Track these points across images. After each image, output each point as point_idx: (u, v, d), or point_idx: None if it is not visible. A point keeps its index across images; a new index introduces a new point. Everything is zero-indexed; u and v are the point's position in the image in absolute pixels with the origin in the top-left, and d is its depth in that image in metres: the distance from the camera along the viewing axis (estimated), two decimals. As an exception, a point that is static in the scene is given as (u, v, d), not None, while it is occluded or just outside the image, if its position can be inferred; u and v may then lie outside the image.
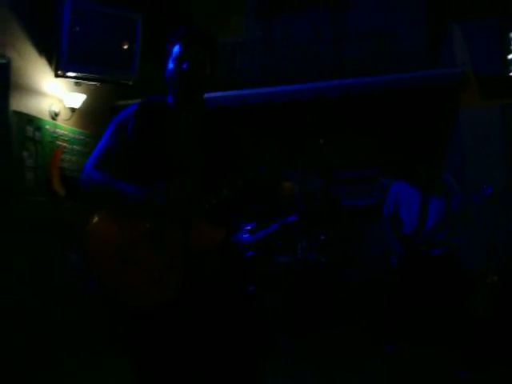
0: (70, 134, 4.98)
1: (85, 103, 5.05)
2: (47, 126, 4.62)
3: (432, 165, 4.27)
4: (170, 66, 1.97)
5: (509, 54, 5.40)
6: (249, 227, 4.74)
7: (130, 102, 2.10)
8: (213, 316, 1.97)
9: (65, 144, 4.88)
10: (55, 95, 4.78)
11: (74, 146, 5.01)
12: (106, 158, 2.00)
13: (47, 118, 4.65)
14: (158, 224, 1.88)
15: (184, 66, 1.93)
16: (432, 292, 4.13)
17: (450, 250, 4.18)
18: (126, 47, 5.03)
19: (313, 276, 5.52)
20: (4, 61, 4.16)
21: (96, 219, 1.95)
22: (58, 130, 4.78)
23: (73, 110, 4.96)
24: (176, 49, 1.96)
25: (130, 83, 5.20)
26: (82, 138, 5.13)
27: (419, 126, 6.45)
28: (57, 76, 4.75)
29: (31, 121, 4.40)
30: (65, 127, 4.90)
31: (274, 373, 3.78)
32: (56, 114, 4.75)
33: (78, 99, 4.95)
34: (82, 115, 5.15)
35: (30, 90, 4.44)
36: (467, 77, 5.41)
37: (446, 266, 4.14)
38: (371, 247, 5.67)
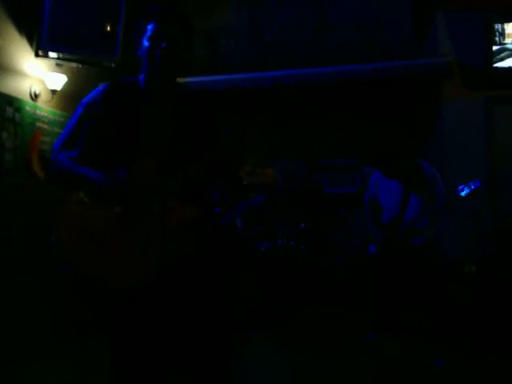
0: (51, 116, 4.89)
1: (66, 85, 4.95)
2: (27, 108, 4.53)
3: (412, 156, 4.29)
4: (146, 43, 1.93)
5: (493, 45, 5.43)
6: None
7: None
8: (187, 297, 1.97)
9: (45, 126, 4.79)
10: (36, 76, 4.67)
11: (54, 128, 4.92)
12: (73, 140, 1.98)
13: (27, 99, 4.55)
14: (129, 206, 1.87)
15: (163, 45, 1.90)
16: (411, 280, 4.18)
17: (431, 239, 4.21)
18: (108, 29, 4.94)
19: (293, 263, 5.55)
20: (-17, 40, 4.07)
21: (67, 202, 1.94)
22: (38, 112, 4.69)
23: (53, 91, 4.86)
24: (151, 27, 1.93)
25: (113, 65, 5.12)
26: (63, 120, 5.04)
27: (402, 115, 6.49)
28: (37, 56, 4.64)
29: (11, 101, 4.31)
30: (45, 109, 4.81)
31: (248, 361, 3.80)
32: (36, 95, 4.65)
33: (59, 80, 4.85)
34: (62, 97, 5.05)
35: (10, 70, 4.34)
36: (451, 67, 5.44)
37: (425, 255, 4.18)
38: (353, 235, 5.70)
